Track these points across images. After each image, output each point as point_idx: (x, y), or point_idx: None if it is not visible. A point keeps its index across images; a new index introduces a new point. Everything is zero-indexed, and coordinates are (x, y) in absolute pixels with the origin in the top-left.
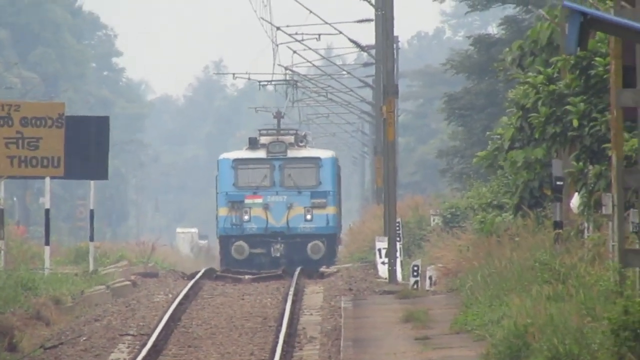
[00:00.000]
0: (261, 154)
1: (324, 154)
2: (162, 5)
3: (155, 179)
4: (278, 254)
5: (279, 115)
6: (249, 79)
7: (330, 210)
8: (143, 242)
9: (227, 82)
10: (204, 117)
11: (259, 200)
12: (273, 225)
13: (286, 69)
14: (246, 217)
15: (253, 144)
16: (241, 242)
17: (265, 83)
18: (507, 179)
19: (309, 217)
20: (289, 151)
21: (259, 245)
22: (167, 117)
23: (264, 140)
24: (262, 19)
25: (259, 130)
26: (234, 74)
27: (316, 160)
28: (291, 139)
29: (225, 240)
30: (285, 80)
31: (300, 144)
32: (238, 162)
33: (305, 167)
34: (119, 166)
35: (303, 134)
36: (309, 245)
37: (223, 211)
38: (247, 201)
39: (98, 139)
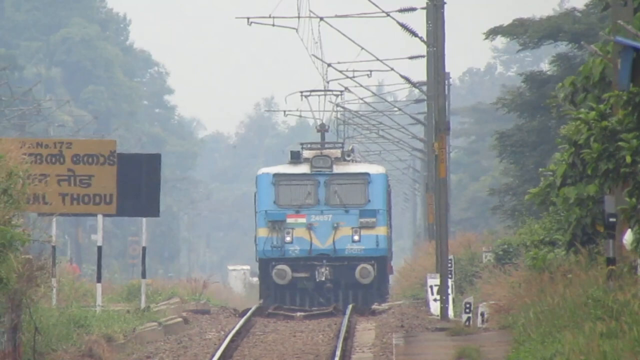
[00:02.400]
0: (304, 169)
1: (374, 169)
2: (214, 42)
3: (207, 217)
4: (323, 278)
5: (323, 128)
6: (300, 116)
7: (381, 230)
8: (195, 279)
9: (279, 119)
10: (255, 155)
11: (302, 220)
12: (318, 247)
13: (337, 105)
14: (288, 239)
15: (295, 158)
16: (283, 266)
17: (308, 93)
18: (559, 216)
19: (356, 238)
20: (334, 166)
21: (302, 269)
22: (218, 155)
23: (307, 154)
24: (314, 56)
25: (302, 144)
26: (285, 111)
27: (365, 176)
28: (337, 153)
29: (266, 264)
30: (330, 90)
31: (347, 159)
32: (279, 177)
33: (352, 184)
34: (171, 203)
35: (350, 147)
36: (358, 268)
37: (263, 232)
38: (289, 221)
39: (149, 177)
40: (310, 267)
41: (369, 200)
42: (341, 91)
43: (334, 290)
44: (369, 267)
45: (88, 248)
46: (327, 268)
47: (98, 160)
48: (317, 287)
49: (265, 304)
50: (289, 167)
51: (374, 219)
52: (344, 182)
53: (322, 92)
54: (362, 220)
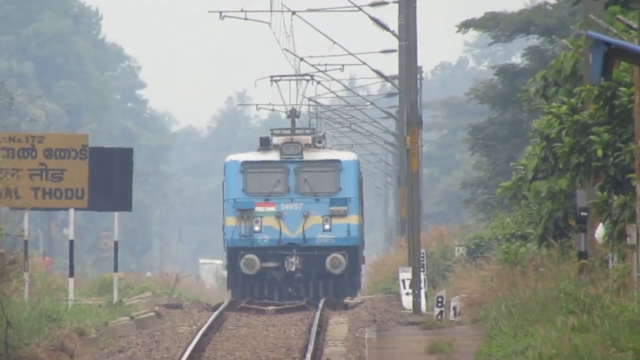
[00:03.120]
0: (274, 156)
1: (345, 156)
2: (186, 36)
3: (179, 210)
4: (293, 268)
5: (293, 114)
6: (272, 109)
7: (352, 219)
8: (167, 273)
9: (251, 113)
10: (228, 148)
11: (272, 209)
12: (287, 236)
13: (310, 99)
14: (257, 228)
15: (265, 144)
16: (251, 255)
17: (278, 78)
18: (531, 210)
19: (327, 227)
20: (305, 153)
21: (271, 258)
22: (191, 149)
23: (276, 140)
24: (286, 50)
25: (271, 130)
26: (257, 105)
27: (336, 163)
28: (308, 139)
29: (234, 253)
30: (300, 74)
31: (318, 145)
32: (248, 165)
33: (323, 171)
34: (143, 198)
35: (321, 133)
36: (328, 258)
37: (231, 221)
38: (257, 209)
39: (122, 171)
40: (279, 257)
41: (340, 188)
42: (312, 76)
43: (304, 280)
44: (340, 256)
45: (60, 242)
46: (297, 258)
47: (70, 154)
48: (286, 277)
49: (234, 294)
50: (258, 154)
51: (345, 208)
52: (314, 170)
53: (293, 77)
54: (333, 208)
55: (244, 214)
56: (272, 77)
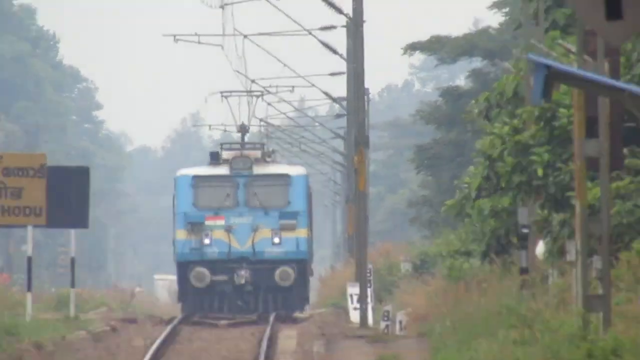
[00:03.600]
0: (224, 170)
1: (294, 170)
2: (141, 59)
3: (134, 228)
4: (243, 281)
5: (243, 129)
6: (225, 130)
7: (301, 233)
8: (122, 289)
9: (204, 133)
10: (182, 167)
11: (221, 222)
12: (237, 249)
13: (261, 120)
14: (207, 241)
15: (215, 159)
16: (201, 269)
17: (228, 94)
18: (474, 227)
19: (276, 240)
20: (254, 167)
21: (221, 271)
22: (146, 168)
23: (226, 155)
24: (238, 71)
25: (221, 145)
26: (209, 125)
27: (285, 177)
28: (257, 154)
29: (184, 267)
30: (249, 91)
31: (268, 160)
32: (198, 179)
33: (273, 185)
34: (99, 215)
35: (271, 149)
36: (277, 271)
37: (181, 234)
38: (207, 223)
39: (78, 189)
40: (229, 270)
41: (290, 202)
42: (261, 92)
43: (254, 293)
44: (289, 269)
45: (18, 258)
46: (247, 271)
47: (28, 173)
48: (236, 290)
49: (185, 307)
50: (208, 169)
51: (294, 221)
52: (264, 184)
53: (243, 93)
54: (282, 222)
55: (194, 227)
56: (222, 92)
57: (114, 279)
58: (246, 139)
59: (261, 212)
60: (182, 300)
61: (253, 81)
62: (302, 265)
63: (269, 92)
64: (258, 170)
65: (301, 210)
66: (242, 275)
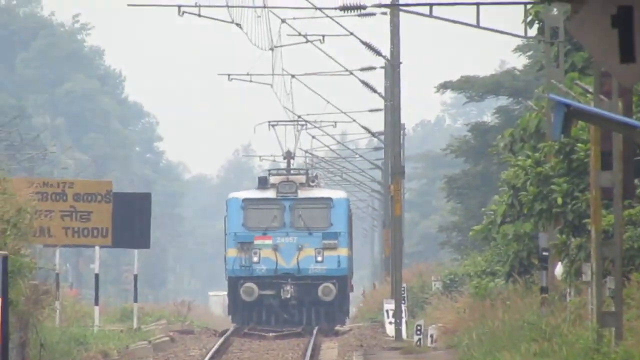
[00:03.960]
0: (271, 194)
1: (336, 194)
2: (198, 95)
3: (191, 249)
4: (288, 296)
5: (289, 156)
6: (273, 160)
7: (342, 251)
8: (180, 303)
9: (255, 163)
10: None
11: (269, 241)
12: (283, 266)
13: (306, 152)
14: (255, 259)
15: (263, 183)
16: (250, 284)
17: (275, 123)
18: (499, 250)
19: (319, 258)
20: (299, 191)
21: (268, 287)
22: (203, 194)
23: (273, 180)
24: (286, 107)
25: (269, 170)
26: (260, 156)
27: (328, 200)
28: (302, 178)
29: (234, 282)
30: (296, 120)
31: (312, 184)
32: (247, 202)
33: (316, 208)
34: (160, 237)
35: (314, 174)
36: (320, 287)
37: (232, 252)
38: (256, 242)
39: (141, 213)
40: (276, 285)
41: (332, 224)
42: (306, 121)
43: (298, 307)
44: (330, 285)
45: (87, 275)
46: (292, 286)
47: (96, 198)
48: (282, 304)
49: (234, 319)
50: (256, 192)
51: (335, 241)
52: (308, 206)
53: (289, 122)
54: (324, 242)
55: (244, 246)
56: (270, 122)
57: (173, 295)
58: (292, 164)
59: (305, 233)
60: (233, 313)
61: (299, 117)
62: (342, 281)
63: (311, 123)
64: (303, 194)
65: (342, 231)
66: (288, 291)
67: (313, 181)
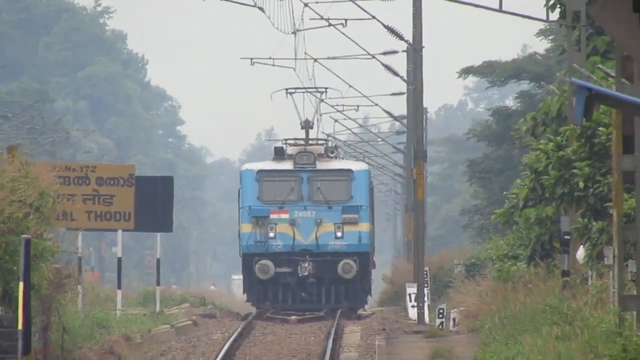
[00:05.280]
0: (288, 165)
1: (357, 166)
2: (221, 79)
3: (214, 233)
4: (306, 273)
5: (307, 125)
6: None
7: (363, 227)
8: (204, 287)
9: None
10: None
11: (286, 216)
12: (301, 242)
13: (328, 135)
14: (271, 234)
15: (279, 154)
16: (266, 261)
17: (293, 91)
18: (521, 233)
19: (339, 234)
20: (318, 163)
21: (285, 264)
22: (225, 178)
23: (290, 150)
24: (309, 92)
25: (285, 140)
26: (282, 140)
27: (348, 172)
28: (320, 149)
29: (249, 259)
30: (315, 87)
31: (331, 155)
32: (262, 173)
33: (335, 180)
34: (182, 221)
35: (334, 144)
36: (340, 264)
37: (246, 227)
38: (272, 217)
39: (164, 196)
40: (293, 263)
41: (352, 197)
42: (326, 88)
43: (317, 285)
44: (351, 262)
45: (109, 259)
46: (310, 263)
47: (119, 182)
48: (299, 282)
49: (249, 298)
50: (272, 164)
51: (356, 215)
52: (327, 179)
53: (308, 89)
54: (345, 216)
55: (259, 220)
56: (287, 89)
57: (195, 279)
58: (310, 135)
59: (324, 207)
60: (247, 292)
61: (322, 101)
62: (364, 258)
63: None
64: (321, 165)
65: (363, 204)
66: (306, 268)
67: (332, 152)
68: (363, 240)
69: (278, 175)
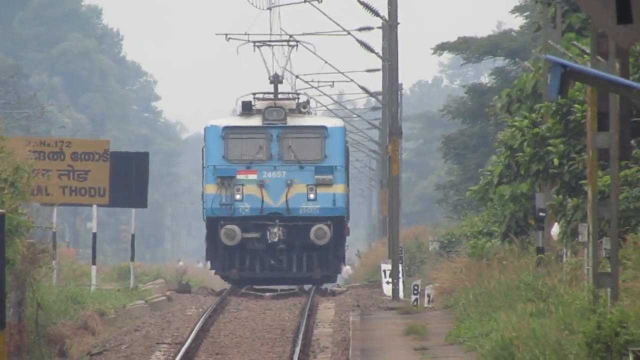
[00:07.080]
0: (256, 121)
1: (331, 122)
2: (196, 55)
3: (188, 208)
4: (276, 239)
5: (276, 79)
6: (264, 99)
7: (338, 189)
8: (178, 262)
9: None
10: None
11: (253, 176)
12: (270, 205)
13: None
14: (238, 196)
15: (247, 109)
16: (232, 226)
17: (260, 44)
18: (496, 210)
19: (312, 196)
20: (289, 118)
21: (252, 229)
22: (200, 153)
23: (259, 105)
24: (284, 68)
25: (254, 94)
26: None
27: (322, 129)
28: (292, 104)
29: (213, 223)
30: (285, 40)
31: (303, 110)
32: (229, 130)
33: (308, 138)
34: (157, 196)
35: (306, 99)
36: (313, 229)
37: (210, 189)
38: (239, 177)
39: (138, 172)
40: (261, 227)
41: (326, 156)
42: (297, 41)
43: (287, 252)
44: (324, 227)
45: (84, 234)
46: (280, 228)
47: (94, 157)
48: (268, 248)
49: (213, 266)
50: (239, 119)
51: (330, 176)
52: (298, 136)
53: (276, 43)
54: (318, 177)
55: (224, 181)
56: (254, 42)
57: (170, 255)
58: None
59: (296, 166)
60: (211, 259)
61: (297, 77)
62: (338, 222)
63: (301, 43)
64: (293, 121)
65: (338, 164)
66: (275, 233)
67: (305, 107)
68: (338, 204)
69: (245, 132)
